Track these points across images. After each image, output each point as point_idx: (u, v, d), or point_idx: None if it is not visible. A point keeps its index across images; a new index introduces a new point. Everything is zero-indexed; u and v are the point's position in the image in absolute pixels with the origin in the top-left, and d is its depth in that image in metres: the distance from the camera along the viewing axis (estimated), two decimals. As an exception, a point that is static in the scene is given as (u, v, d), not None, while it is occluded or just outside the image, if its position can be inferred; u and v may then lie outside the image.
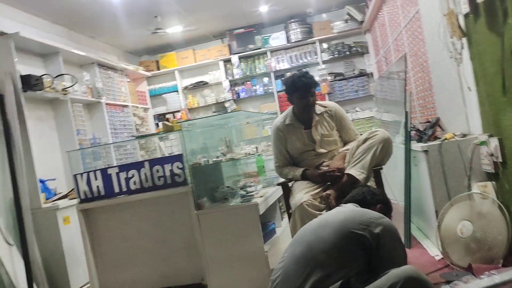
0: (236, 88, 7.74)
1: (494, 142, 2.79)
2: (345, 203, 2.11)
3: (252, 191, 3.30)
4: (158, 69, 7.83)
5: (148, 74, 7.60)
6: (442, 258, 3.03)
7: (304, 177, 2.97)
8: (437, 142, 3.26)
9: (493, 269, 2.53)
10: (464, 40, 3.01)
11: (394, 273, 1.62)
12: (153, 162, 3.47)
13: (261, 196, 3.28)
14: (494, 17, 2.51)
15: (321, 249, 1.73)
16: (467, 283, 2.44)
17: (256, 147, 3.67)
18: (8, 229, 3.61)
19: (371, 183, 2.90)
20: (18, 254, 3.57)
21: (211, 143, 3.97)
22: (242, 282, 3.05)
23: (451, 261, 2.89)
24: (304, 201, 2.74)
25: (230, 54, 7.59)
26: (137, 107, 6.82)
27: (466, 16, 2.91)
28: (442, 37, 3.23)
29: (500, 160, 2.76)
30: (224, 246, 3.08)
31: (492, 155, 2.85)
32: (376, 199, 2.09)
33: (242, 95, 7.71)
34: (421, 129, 3.65)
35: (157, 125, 7.52)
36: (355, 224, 1.76)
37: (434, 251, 3.28)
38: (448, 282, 2.57)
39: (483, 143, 2.96)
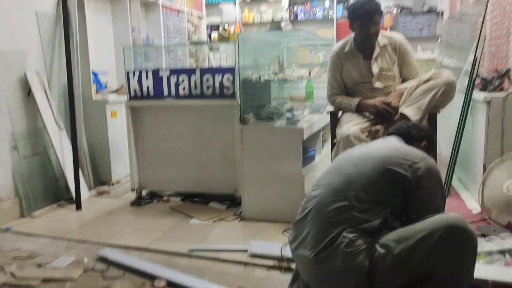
0: (295, 8, 7.42)
1: None
2: (388, 135, 2.00)
3: (299, 115, 3.26)
4: (219, -22, 7.56)
5: (208, -19, 7.35)
6: (480, 213, 2.97)
7: (357, 108, 2.88)
8: (502, 94, 3.06)
9: (534, 231, 2.47)
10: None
11: (438, 219, 1.57)
12: (204, 71, 3.46)
13: (306, 122, 3.23)
14: None
15: (359, 183, 1.68)
16: (503, 240, 2.40)
17: (309, 72, 3.56)
18: (59, 114, 3.75)
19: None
20: (67, 138, 3.74)
21: (263, 61, 3.88)
22: (274, 201, 3.11)
23: (490, 216, 2.83)
24: (351, 133, 2.68)
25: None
26: (192, 14, 6.69)
27: None
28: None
29: None
30: (262, 163, 3.11)
31: (561, 116, 2.66)
32: (421, 135, 1.95)
33: (300, 16, 7.41)
34: (487, 78, 3.42)
35: (209, 36, 7.41)
36: (397, 162, 1.68)
37: (473, 204, 3.22)
38: (484, 236, 2.53)
39: (553, 102, 2.76)
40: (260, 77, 3.28)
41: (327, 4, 7.26)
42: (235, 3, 7.57)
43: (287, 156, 3.06)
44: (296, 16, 7.41)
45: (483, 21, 3.46)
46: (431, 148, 2.00)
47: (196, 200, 3.65)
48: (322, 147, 3.93)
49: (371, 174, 1.69)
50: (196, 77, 3.44)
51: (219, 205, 3.49)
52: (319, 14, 7.31)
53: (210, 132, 3.51)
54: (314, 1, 7.34)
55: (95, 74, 4.21)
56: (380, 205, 1.64)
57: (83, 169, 3.93)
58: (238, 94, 3.30)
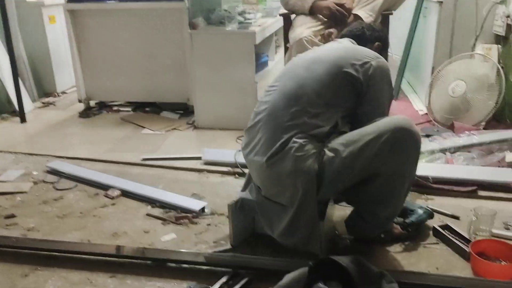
0: None
1: (515, 3, 2.61)
2: (342, 37, 1.95)
3: (251, 19, 3.12)
4: None
5: None
6: (426, 114, 3.09)
7: (311, 10, 2.78)
8: (454, -6, 3.04)
9: (473, 130, 2.61)
10: None
11: (386, 122, 1.58)
12: (147, -32, 3.19)
13: (259, 25, 3.12)
14: None
15: (312, 87, 1.65)
16: (445, 139, 2.53)
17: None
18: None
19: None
20: (4, 49, 3.46)
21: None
22: (228, 108, 3.08)
23: (434, 118, 2.94)
24: (304, 36, 2.62)
25: None
26: None
27: None
28: None
29: (516, 23, 2.62)
30: (214, 70, 3.03)
31: (508, 16, 2.69)
32: (375, 36, 1.91)
33: None
34: (442, -22, 3.35)
35: None
36: (348, 63, 1.64)
37: (419, 106, 3.33)
38: (427, 136, 2.65)
39: (503, 1, 2.77)
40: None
41: None
42: None
43: (240, 62, 2.98)
44: None
45: None
46: (384, 49, 1.97)
47: (148, 110, 3.56)
48: (276, 52, 3.86)
49: (323, 77, 1.66)
50: (140, -24, 3.17)
51: (171, 114, 3.43)
52: None
53: (159, 37, 3.33)
54: None
55: (26, -28, 3.80)
56: (332, 108, 1.64)
57: (24, 79, 3.69)
58: (187, -4, 3.09)
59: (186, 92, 3.39)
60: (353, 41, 1.87)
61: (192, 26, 3.03)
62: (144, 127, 3.18)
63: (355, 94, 1.66)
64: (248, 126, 1.78)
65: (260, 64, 3.25)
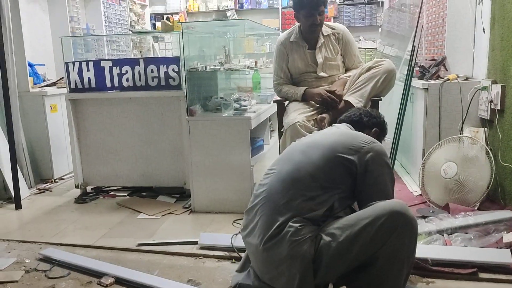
0: (239, -2, 7.40)
1: (496, 89, 2.75)
2: (339, 122, 2.03)
3: (246, 105, 3.26)
4: (161, -35, 7.38)
5: (150, -32, 7.16)
6: (420, 195, 3.12)
7: (303, 97, 2.92)
8: (439, 81, 3.21)
9: (469, 211, 2.63)
10: (490, -23, 2.85)
11: (381, 206, 1.60)
12: (148, 61, 3.38)
13: (254, 111, 3.24)
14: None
15: (307, 171, 1.70)
16: (442, 220, 2.53)
17: (255, 62, 3.56)
18: (-6, 110, 3.55)
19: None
20: (4, 136, 3.54)
21: (209, 51, 3.84)
22: (224, 192, 3.10)
23: (429, 199, 2.97)
24: (298, 121, 2.71)
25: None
26: (134, 1, 6.50)
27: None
28: (467, -29, 3.05)
29: (499, 107, 2.74)
30: (210, 155, 3.09)
31: (491, 101, 2.82)
32: (373, 122, 1.98)
33: (245, 5, 7.39)
34: (425, 66, 3.57)
35: (153, 25, 7.25)
36: (344, 148, 1.70)
37: (414, 187, 3.37)
38: (424, 217, 2.66)
39: (484, 88, 2.92)
40: (206, 67, 3.24)
41: (271, -6, 7.29)
42: (179, -8, 7.44)
43: (236, 147, 3.05)
44: (242, 5, 7.39)
45: (420, 11, 3.60)
46: (382, 135, 2.03)
47: (144, 194, 3.57)
48: (270, 137, 3.96)
49: (319, 161, 1.71)
50: (140, 68, 3.34)
51: (168, 198, 3.44)
52: (264, 3, 7.33)
53: (157, 124, 3.44)
54: (259, -10, 7.34)
55: (31, 66, 4.00)
56: (328, 191, 1.67)
57: (22, 166, 3.74)
58: (184, 85, 3.24)
59: (182, 176, 3.43)
60: (351, 126, 1.94)
61: (190, 113, 3.15)
62: (140, 212, 3.17)
63: (352, 177, 1.70)
64: (247, 208, 1.80)
65: (255, 148, 3.33)
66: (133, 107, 3.44)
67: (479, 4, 3.02)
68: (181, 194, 3.47)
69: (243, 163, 3.05)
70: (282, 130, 2.92)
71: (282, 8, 7.16)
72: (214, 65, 3.34)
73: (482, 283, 2.00)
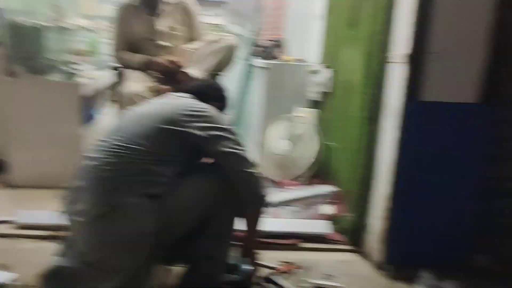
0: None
1: (326, 73, 2.97)
2: (182, 92, 1.91)
3: (78, 70, 2.96)
4: None
5: None
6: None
7: (144, 65, 2.76)
8: (277, 62, 3.35)
9: (296, 185, 2.82)
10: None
11: (213, 173, 1.63)
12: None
13: (87, 78, 2.96)
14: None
15: (142, 143, 1.59)
16: (271, 194, 2.66)
17: (95, 24, 3.25)
18: None
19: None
20: None
21: (37, 6, 3.38)
22: (49, 164, 2.79)
23: (263, 174, 3.10)
24: (136, 91, 2.56)
25: None
26: None
27: None
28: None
29: (327, 90, 2.97)
30: (34, 123, 2.74)
31: (321, 84, 3.04)
32: (214, 95, 1.90)
33: (86, -38, 6.73)
34: (266, 46, 3.69)
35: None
36: (180, 118, 1.62)
37: (251, 163, 3.49)
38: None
39: (316, 71, 3.13)
40: (33, 23, 2.83)
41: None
42: None
43: (64, 115, 2.76)
44: (82, -39, 6.71)
45: (263, -9, 3.69)
46: (224, 108, 1.98)
47: None
48: (105, 106, 3.69)
49: (153, 132, 1.60)
50: None
51: (-20, 171, 2.97)
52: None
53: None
54: None
55: None
56: (164, 164, 1.59)
57: None
58: (4, 41, 2.79)
59: (1, 147, 2.98)
60: (191, 97, 1.85)
61: (9, 73, 2.73)
62: None
63: (189, 146, 1.64)
64: (74, 182, 1.62)
65: (87, 117, 3.06)
66: None
67: (316, -8, 3.20)
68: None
69: (71, 134, 2.77)
70: (119, 99, 2.72)
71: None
72: (44, 21, 2.94)
73: (302, 252, 2.16)
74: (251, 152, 3.36)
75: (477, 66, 1.88)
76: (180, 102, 1.76)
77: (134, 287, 1.47)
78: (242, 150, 1.65)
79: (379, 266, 2.05)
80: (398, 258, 2.02)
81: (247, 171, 1.61)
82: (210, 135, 1.61)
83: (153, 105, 1.78)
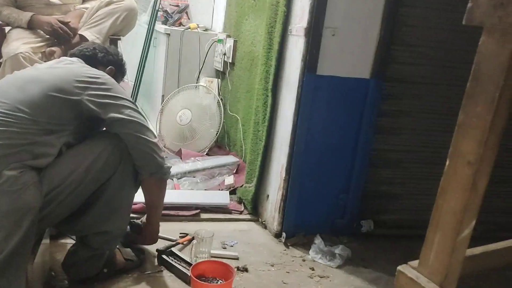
0: None
1: (229, 43, 2.94)
2: (71, 56, 1.76)
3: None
4: None
5: None
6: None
7: (29, 24, 2.49)
8: (180, 28, 3.24)
9: (198, 156, 2.79)
10: None
11: (105, 140, 1.55)
12: None
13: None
14: None
15: (25, 111, 1.43)
16: (173, 165, 2.60)
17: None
18: None
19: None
20: None
21: None
22: None
23: (165, 144, 3.03)
24: (21, 52, 2.32)
25: None
26: None
27: None
28: None
29: (230, 61, 2.95)
30: None
31: (224, 54, 3.01)
32: (108, 59, 1.79)
33: None
34: (169, 11, 3.54)
35: None
36: (69, 85, 1.49)
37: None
38: (156, 162, 2.68)
39: (220, 41, 3.09)
40: None
41: None
42: None
43: None
44: None
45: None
46: (119, 74, 1.86)
47: None
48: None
49: (39, 99, 1.45)
50: None
51: None
52: None
53: None
54: None
55: None
56: (52, 134, 1.45)
57: None
58: None
59: None
60: (82, 61, 1.71)
61: None
62: None
63: (80, 116, 1.52)
64: None
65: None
66: None
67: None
68: None
69: None
70: (0, 60, 2.45)
71: None
72: None
73: (202, 223, 2.16)
74: (151, 121, 3.26)
75: (372, 43, 1.96)
76: (71, 67, 1.62)
77: (13, 266, 1.35)
78: (139, 117, 1.57)
79: (276, 235, 2.12)
80: (293, 226, 2.10)
81: (145, 138, 1.54)
82: (104, 103, 1.51)
83: (40, 69, 1.61)
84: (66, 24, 2.51)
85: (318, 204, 2.13)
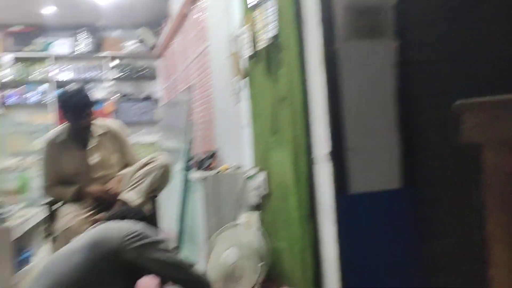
0: (4, 92, 6.77)
1: (262, 176, 3.07)
2: (104, 221, 1.92)
3: (7, 212, 2.83)
4: None
5: None
6: (207, 285, 3.13)
7: (76, 197, 2.70)
8: (213, 172, 3.42)
9: (251, 294, 2.73)
10: (244, 81, 3.27)
11: None
12: None
13: (18, 218, 2.84)
14: (270, 64, 2.80)
15: (72, 280, 1.51)
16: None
17: (22, 161, 3.20)
18: None
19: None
20: None
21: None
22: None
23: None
24: (71, 226, 2.48)
25: (3, 51, 6.65)
26: None
27: (249, 58, 3.19)
28: (226, 74, 3.45)
29: (265, 193, 3.04)
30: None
31: (259, 187, 3.12)
32: (138, 218, 1.92)
33: (11, 100, 6.77)
34: (201, 158, 3.78)
35: None
36: (107, 243, 1.61)
37: (201, 278, 3.37)
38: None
39: (252, 176, 3.22)
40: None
41: (42, 88, 6.89)
42: None
43: (-5, 263, 2.59)
44: (7, 100, 6.76)
45: (190, 107, 3.87)
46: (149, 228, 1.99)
47: None
48: (42, 245, 3.51)
49: (83, 265, 1.55)
50: None
51: None
52: (34, 98, 6.85)
53: None
54: (28, 85, 6.85)
55: None
56: None
57: None
58: None
59: None
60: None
61: None
62: None
63: (123, 269, 1.59)
64: None
65: (21, 261, 2.88)
66: None
67: (238, 104, 3.41)
68: None
69: (3, 282, 2.58)
70: (53, 237, 2.62)
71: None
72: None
73: None
74: (199, 266, 3.28)
75: (393, 154, 2.04)
76: (106, 228, 1.74)
77: None
78: (175, 256, 1.75)
79: None
80: None
81: (186, 272, 1.70)
82: (142, 251, 1.61)
83: (79, 239, 1.73)
84: (107, 191, 2.71)
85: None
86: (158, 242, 1.70)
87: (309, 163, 2.16)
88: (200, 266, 3.35)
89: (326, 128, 1.98)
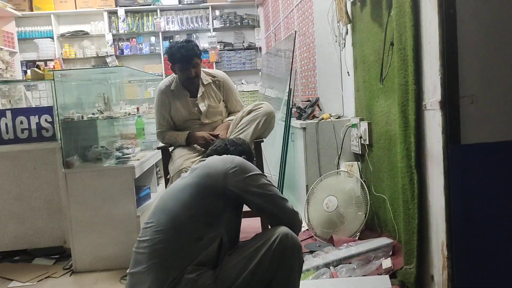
0: (120, 44, 7.28)
1: (364, 126, 3.01)
2: (207, 156, 1.99)
3: (129, 153, 3.14)
4: (31, 9, 7.01)
5: (18, 13, 6.75)
6: (307, 230, 3.23)
7: (187, 141, 2.90)
8: (314, 121, 3.43)
9: (351, 241, 2.78)
10: (349, 26, 3.16)
11: (268, 234, 1.68)
12: (16, 112, 3.12)
13: (138, 159, 3.13)
14: (378, 8, 2.67)
15: (185, 214, 1.65)
16: (327, 253, 2.64)
17: (138, 108, 3.48)
18: None
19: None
20: None
21: (88, 99, 3.67)
22: (109, 247, 2.91)
23: (315, 233, 3.09)
24: (184, 167, 2.68)
25: (116, 5, 7.09)
26: (1, 48, 6.04)
27: (353, 3, 3.06)
28: (330, 20, 3.36)
29: (367, 143, 2.99)
30: (92, 208, 2.90)
31: (361, 137, 3.08)
32: (239, 150, 1.99)
33: (126, 52, 7.28)
34: (302, 107, 3.79)
35: (25, 72, 6.77)
36: (212, 178, 1.70)
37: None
38: (311, 252, 2.75)
39: (354, 125, 3.18)
40: (83, 116, 3.08)
41: (153, 39, 7.29)
42: (52, 38, 7.09)
43: (120, 198, 2.91)
44: (122, 51, 7.27)
45: (292, 55, 3.85)
46: (250, 160, 2.03)
47: (17, 258, 3.20)
48: (158, 184, 3.85)
49: (191, 201, 1.68)
50: (7, 119, 3.07)
51: (45, 260, 3.12)
52: (145, 49, 7.30)
53: (30, 179, 3.14)
54: (139, 37, 7.30)
55: None
56: (212, 226, 1.65)
57: None
58: (59, 135, 3.03)
59: (61, 234, 3.16)
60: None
61: (67, 164, 2.94)
62: (12, 280, 2.83)
63: (230, 203, 1.70)
64: (130, 268, 1.68)
65: (141, 197, 3.21)
66: (0, 162, 3.12)
67: (342, 50, 3.32)
68: (61, 254, 3.18)
69: (128, 215, 2.90)
70: (168, 177, 2.85)
71: (164, 53, 7.18)
72: (93, 114, 3.19)
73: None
74: (299, 211, 3.38)
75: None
76: (205, 164, 1.82)
77: None
78: (275, 190, 1.78)
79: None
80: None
81: (286, 208, 1.76)
82: (244, 185, 1.71)
83: (186, 176, 1.83)
84: (216, 136, 2.86)
85: (491, 276, 1.94)
86: (260, 175, 1.77)
87: (418, 111, 2.07)
88: (300, 213, 3.45)
89: (439, 74, 1.87)
